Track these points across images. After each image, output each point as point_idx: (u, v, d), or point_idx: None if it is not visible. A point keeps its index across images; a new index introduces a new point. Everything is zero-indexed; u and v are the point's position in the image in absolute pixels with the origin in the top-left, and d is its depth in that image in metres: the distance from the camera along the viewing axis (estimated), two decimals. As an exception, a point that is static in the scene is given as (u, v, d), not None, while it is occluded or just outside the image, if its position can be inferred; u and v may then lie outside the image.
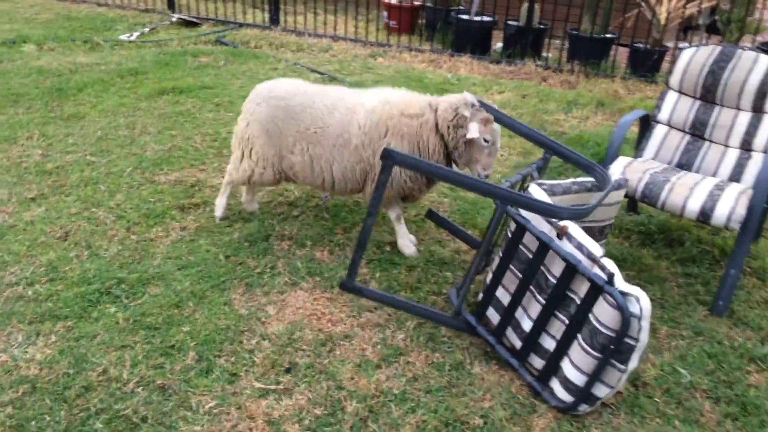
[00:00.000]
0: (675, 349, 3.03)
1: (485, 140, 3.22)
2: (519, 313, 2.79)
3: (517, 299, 2.77)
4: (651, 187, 3.28)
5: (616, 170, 3.40)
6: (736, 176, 3.50)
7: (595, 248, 2.55)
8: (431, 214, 3.62)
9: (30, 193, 4.09)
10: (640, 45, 7.36)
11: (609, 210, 3.01)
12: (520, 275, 2.75)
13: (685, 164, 3.66)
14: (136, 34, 8.08)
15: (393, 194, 3.48)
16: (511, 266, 2.79)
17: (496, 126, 3.27)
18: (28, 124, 5.16)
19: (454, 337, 3.02)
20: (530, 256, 2.70)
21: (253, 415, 2.52)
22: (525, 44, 7.81)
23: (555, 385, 2.64)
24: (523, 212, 2.72)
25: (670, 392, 2.78)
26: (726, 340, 3.11)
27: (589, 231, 2.89)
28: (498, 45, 8.23)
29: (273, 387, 2.67)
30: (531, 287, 2.72)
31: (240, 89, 6.16)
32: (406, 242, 3.62)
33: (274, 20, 8.69)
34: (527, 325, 2.75)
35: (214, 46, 7.80)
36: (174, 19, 8.72)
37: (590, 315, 2.48)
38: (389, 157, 2.83)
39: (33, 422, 2.42)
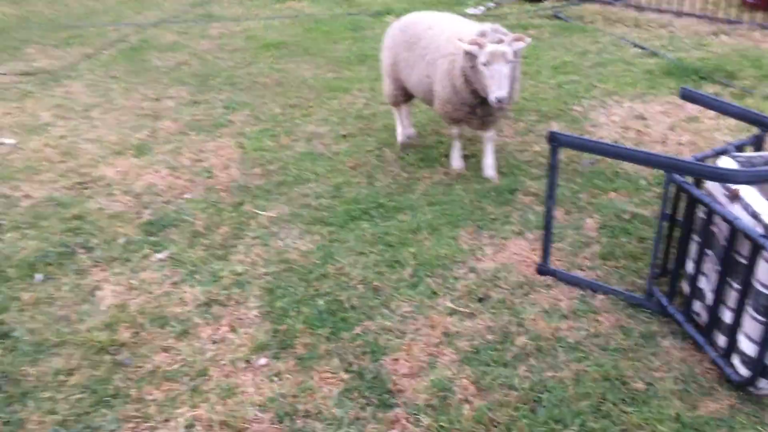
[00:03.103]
0: None
1: (482, 63, 3.48)
2: (704, 285, 2.69)
3: (698, 267, 2.70)
4: None
5: None
6: None
7: (763, 208, 2.31)
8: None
9: (344, 131, 5.03)
10: None
11: None
12: (699, 241, 2.70)
13: None
14: (481, 8, 8.77)
15: (446, 119, 4.13)
16: (692, 237, 2.74)
17: (500, 49, 3.44)
18: (365, 79, 6.20)
19: (658, 312, 2.94)
20: (703, 217, 2.65)
21: (434, 325, 2.92)
22: None
23: (735, 360, 2.48)
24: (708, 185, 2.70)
25: None
26: None
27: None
28: None
29: (462, 309, 3.02)
30: (710, 256, 2.62)
31: (552, 59, 6.37)
32: (454, 155, 4.28)
33: (617, -5, 8.52)
34: (710, 298, 2.63)
35: (549, 20, 8.04)
36: (519, -5, 9.19)
37: (753, 277, 2.32)
38: (555, 140, 2.95)
39: (280, 289, 3.19)
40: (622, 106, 5.18)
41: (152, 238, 3.66)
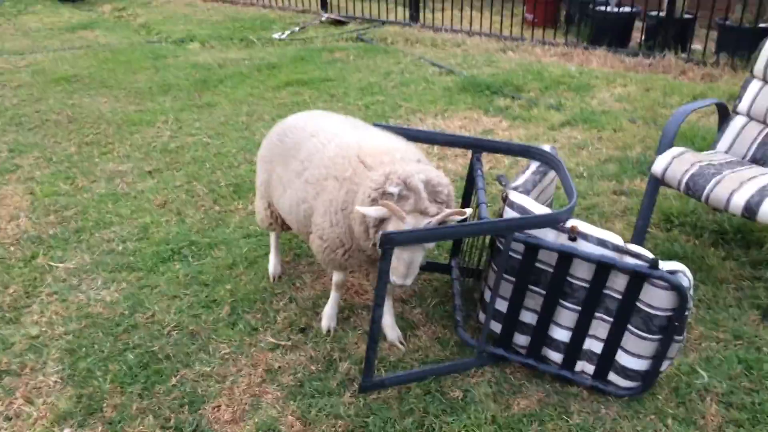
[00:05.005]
0: (703, 351, 2.85)
1: None
2: (550, 327, 2.70)
3: (546, 316, 2.66)
4: (696, 179, 3.07)
5: (663, 161, 3.22)
6: (817, 173, 3.15)
7: (615, 238, 2.49)
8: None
9: (149, 167, 4.77)
10: (800, 34, 6.59)
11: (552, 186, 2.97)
12: (542, 290, 2.63)
13: (760, 159, 3.36)
14: (287, 32, 8.82)
15: (330, 266, 2.91)
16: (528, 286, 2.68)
17: (410, 222, 2.36)
18: (169, 110, 5.95)
19: (469, 319, 3.09)
20: (548, 269, 2.58)
21: (256, 364, 2.83)
22: (667, 36, 7.35)
23: (614, 377, 2.60)
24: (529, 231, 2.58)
25: (678, 392, 2.63)
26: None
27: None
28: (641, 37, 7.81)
29: (283, 343, 2.95)
30: (536, 293, 2.67)
31: (358, 82, 6.54)
32: (328, 312, 3.06)
33: (414, 17, 8.99)
34: (562, 335, 2.67)
35: (353, 43, 8.27)
36: (323, 19, 9.37)
37: (638, 303, 2.45)
38: (389, 241, 2.33)
39: (83, 348, 2.92)
40: (425, 123, 5.44)
41: (-76, 309, 3.20)
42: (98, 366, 2.81)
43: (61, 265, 3.56)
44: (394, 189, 2.38)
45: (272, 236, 3.45)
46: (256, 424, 2.50)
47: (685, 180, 3.11)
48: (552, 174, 3.03)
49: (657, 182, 3.30)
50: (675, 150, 3.28)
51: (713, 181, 3.03)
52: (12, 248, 3.73)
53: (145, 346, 2.93)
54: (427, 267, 3.38)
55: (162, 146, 5.15)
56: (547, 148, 2.94)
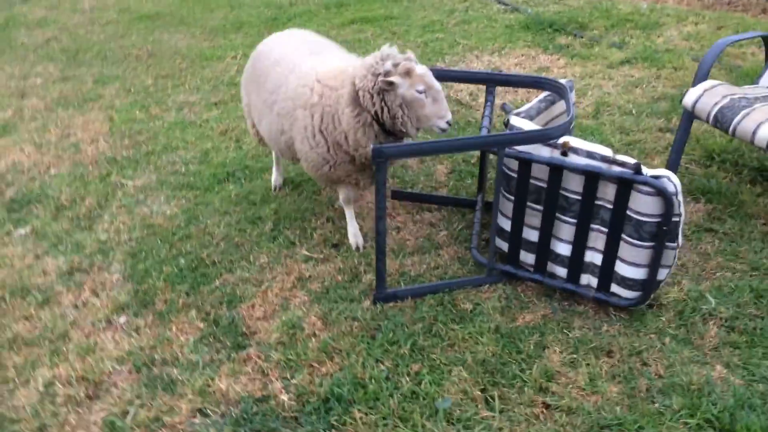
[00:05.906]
0: (716, 280, 2.91)
1: (418, 91, 2.69)
2: (552, 243, 2.84)
3: (547, 231, 2.81)
4: (725, 111, 3.06)
5: (694, 93, 3.22)
6: None
7: (604, 150, 2.59)
8: (396, 194, 3.62)
9: (215, 99, 5.12)
10: None
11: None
12: (541, 207, 2.79)
13: (803, 94, 3.28)
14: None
15: (323, 182, 3.22)
16: (528, 204, 2.84)
17: (422, 69, 2.72)
18: (239, 46, 6.26)
19: (486, 243, 3.26)
20: (544, 185, 2.73)
21: (290, 272, 3.13)
22: (751, -30, 6.94)
23: (617, 289, 2.74)
24: (519, 148, 2.74)
25: (682, 315, 2.73)
26: (785, 280, 2.87)
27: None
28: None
29: (316, 255, 3.24)
30: (535, 209, 2.80)
31: (421, 19, 6.61)
32: (351, 230, 3.32)
33: (487, -46, 8.84)
34: (564, 249, 2.81)
35: (423, -19, 8.26)
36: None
37: (628, 212, 2.56)
38: (380, 155, 2.58)
39: (143, 253, 3.32)
40: (481, 60, 5.49)
41: (15, 215, 3.69)
42: (154, 267, 3.19)
43: (130, 182, 3.98)
44: (389, 66, 2.68)
45: (273, 151, 3.69)
46: (283, 321, 2.80)
47: (714, 112, 3.11)
48: (558, 106, 3.11)
49: (690, 116, 3.30)
50: (708, 83, 3.26)
51: (742, 113, 3.02)
52: (90, 167, 4.17)
53: (196, 253, 3.29)
54: (456, 203, 3.57)
55: (229, 80, 5.48)
56: (563, 81, 3.02)
